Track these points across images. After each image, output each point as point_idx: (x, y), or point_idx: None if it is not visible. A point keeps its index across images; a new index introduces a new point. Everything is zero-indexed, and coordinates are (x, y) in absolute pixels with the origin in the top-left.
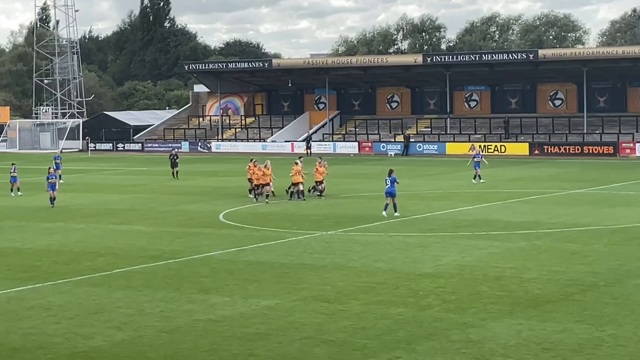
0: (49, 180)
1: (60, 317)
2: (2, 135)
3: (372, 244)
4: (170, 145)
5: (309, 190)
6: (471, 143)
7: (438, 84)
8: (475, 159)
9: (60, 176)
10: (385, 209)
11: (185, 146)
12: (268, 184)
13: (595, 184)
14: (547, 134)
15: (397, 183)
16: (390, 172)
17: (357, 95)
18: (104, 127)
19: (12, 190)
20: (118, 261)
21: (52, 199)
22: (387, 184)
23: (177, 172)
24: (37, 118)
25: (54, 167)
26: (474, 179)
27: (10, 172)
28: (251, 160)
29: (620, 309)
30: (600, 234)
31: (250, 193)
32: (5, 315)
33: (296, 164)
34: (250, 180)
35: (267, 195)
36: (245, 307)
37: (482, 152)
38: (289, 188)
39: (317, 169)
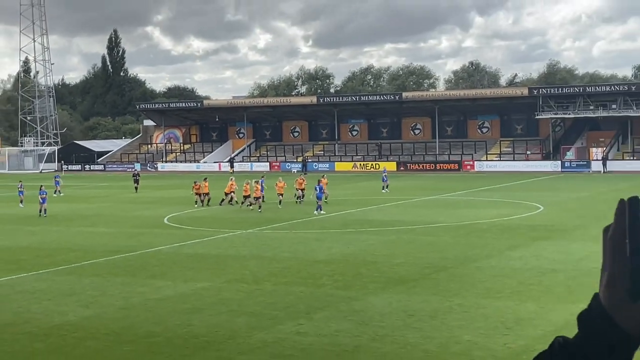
0: (41, 196)
1: (41, 299)
2: None
3: (280, 239)
4: (126, 166)
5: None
6: (383, 166)
7: (328, 118)
8: (384, 174)
9: (60, 191)
10: (317, 209)
11: (137, 166)
12: (259, 198)
13: (445, 192)
14: (410, 155)
15: (323, 191)
16: (319, 181)
17: (268, 127)
18: (74, 152)
19: (21, 202)
20: (86, 255)
21: (44, 210)
22: (316, 191)
23: (137, 187)
24: (22, 146)
25: (55, 184)
26: (383, 189)
27: (18, 188)
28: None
29: (464, 285)
30: (448, 229)
31: (242, 204)
32: (7, 296)
33: (279, 180)
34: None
35: (258, 206)
36: (184, 289)
37: (384, 170)
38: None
39: (297, 180)
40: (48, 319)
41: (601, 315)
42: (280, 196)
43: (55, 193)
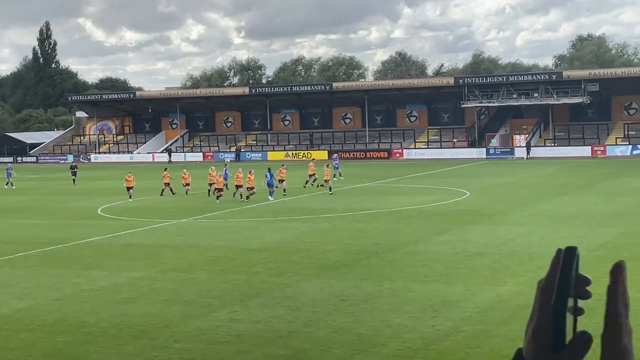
0: None
1: None
2: None
3: (214, 228)
4: (59, 158)
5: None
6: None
7: (261, 108)
8: (335, 162)
9: (12, 183)
10: (271, 195)
11: (70, 158)
12: (252, 188)
13: (375, 179)
14: (341, 143)
15: (274, 177)
16: (269, 169)
17: (201, 118)
18: (6, 144)
19: None
20: (19, 247)
21: None
22: (267, 178)
23: (74, 179)
24: None
25: (7, 177)
26: (335, 177)
27: None
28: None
29: (394, 270)
30: (379, 215)
31: (234, 195)
32: None
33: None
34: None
35: (247, 197)
36: (119, 279)
37: (335, 158)
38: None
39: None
40: None
41: None
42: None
43: (6, 185)
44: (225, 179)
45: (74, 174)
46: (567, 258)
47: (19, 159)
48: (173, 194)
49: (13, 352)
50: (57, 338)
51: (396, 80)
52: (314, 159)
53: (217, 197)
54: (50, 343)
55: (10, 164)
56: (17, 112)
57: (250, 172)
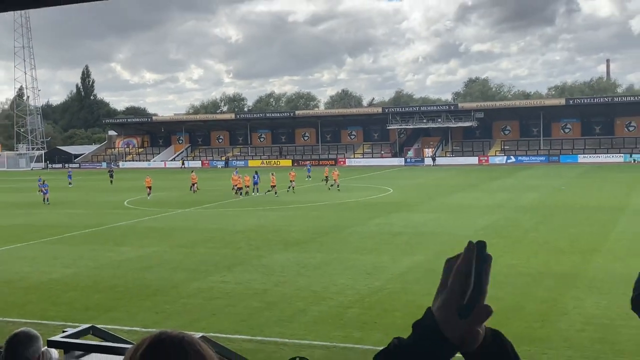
0: (42, 188)
1: (32, 263)
2: None
3: (210, 215)
4: (95, 164)
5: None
6: (308, 162)
7: (243, 129)
8: (309, 167)
9: (70, 183)
10: (258, 192)
11: (104, 164)
12: (274, 186)
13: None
14: (301, 154)
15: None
16: (256, 172)
17: (200, 135)
18: (57, 155)
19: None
20: (67, 230)
21: (46, 199)
22: (254, 178)
23: (112, 180)
24: (17, 151)
25: (68, 178)
26: (307, 177)
27: (39, 184)
28: (236, 172)
29: (339, 245)
30: (329, 206)
31: (236, 192)
32: (1, 262)
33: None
34: (237, 186)
35: (275, 192)
36: (140, 252)
37: (308, 165)
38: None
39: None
40: (37, 277)
41: (432, 327)
42: (274, 187)
43: (70, 185)
44: (256, 182)
45: (111, 176)
46: (480, 251)
47: (66, 165)
48: (198, 189)
49: (62, 306)
50: (95, 296)
51: (341, 109)
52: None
53: (238, 193)
54: (90, 299)
55: (70, 169)
56: (64, 131)
57: (272, 174)
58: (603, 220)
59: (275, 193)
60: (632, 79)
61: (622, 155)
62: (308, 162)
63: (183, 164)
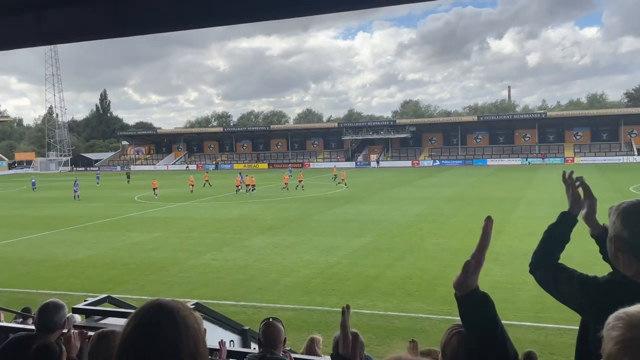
0: (75, 187)
1: (60, 245)
2: (32, 165)
3: (202, 207)
4: (112, 168)
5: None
6: (289, 166)
7: (230, 140)
8: (290, 169)
9: (98, 182)
10: (241, 189)
11: (118, 168)
12: (287, 183)
13: (295, 180)
14: (275, 159)
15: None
16: (240, 173)
17: (195, 144)
18: (80, 160)
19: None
20: (88, 219)
21: (77, 196)
22: (239, 177)
23: (129, 180)
24: (48, 157)
25: (96, 179)
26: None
27: (75, 182)
28: (240, 174)
29: (305, 229)
30: (297, 199)
31: (244, 191)
32: (36, 245)
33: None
34: (238, 185)
35: (287, 188)
36: (148, 237)
37: (290, 168)
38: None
39: (248, 177)
40: (66, 257)
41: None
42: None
43: (97, 184)
44: (241, 181)
45: (128, 177)
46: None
47: (88, 168)
48: (210, 185)
49: (84, 280)
50: (111, 271)
51: (306, 124)
52: (293, 170)
53: (245, 190)
54: (107, 274)
55: (98, 172)
56: (86, 141)
57: (243, 175)
58: (505, 208)
59: (253, 190)
60: (527, 101)
61: (520, 159)
62: (289, 165)
63: (187, 166)
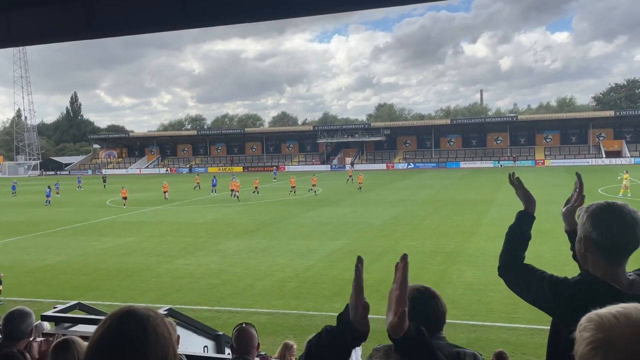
0: (56, 189)
1: (29, 251)
2: (0, 169)
3: (176, 211)
4: (82, 172)
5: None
6: (274, 168)
7: (204, 143)
8: (275, 172)
9: (80, 187)
10: (216, 192)
11: (89, 172)
12: (294, 186)
13: (265, 183)
14: (250, 162)
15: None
16: (214, 177)
17: (168, 148)
18: (50, 164)
19: (57, 194)
20: (58, 224)
21: (48, 201)
22: (212, 181)
23: (105, 185)
24: (16, 161)
25: (56, 188)
26: (274, 178)
27: (55, 186)
28: (232, 177)
29: (280, 233)
30: (272, 203)
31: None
32: (4, 252)
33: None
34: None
35: (294, 192)
36: (120, 241)
37: (274, 171)
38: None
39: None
40: (35, 263)
41: (346, 321)
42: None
43: (78, 188)
44: (214, 185)
45: (104, 181)
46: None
47: (58, 172)
48: (200, 188)
49: (54, 286)
50: (81, 278)
51: (281, 127)
52: (293, 176)
53: (234, 196)
54: (77, 280)
55: (79, 176)
56: (56, 144)
57: (234, 178)
58: (478, 210)
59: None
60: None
61: (492, 161)
62: (274, 167)
63: (167, 169)
